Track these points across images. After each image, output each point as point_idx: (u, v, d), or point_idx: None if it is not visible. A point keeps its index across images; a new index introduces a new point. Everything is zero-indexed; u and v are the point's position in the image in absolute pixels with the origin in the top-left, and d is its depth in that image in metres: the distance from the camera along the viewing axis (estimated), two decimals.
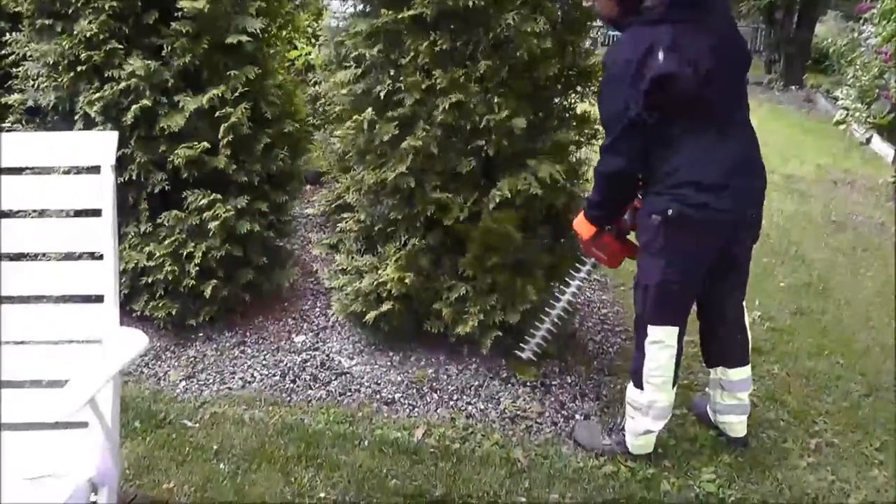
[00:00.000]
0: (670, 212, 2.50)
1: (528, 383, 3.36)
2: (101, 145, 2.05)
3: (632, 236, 2.87)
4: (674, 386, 2.77)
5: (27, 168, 2.24)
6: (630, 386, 2.81)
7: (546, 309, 3.10)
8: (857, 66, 10.01)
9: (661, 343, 2.69)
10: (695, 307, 2.86)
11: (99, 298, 2.06)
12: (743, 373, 2.91)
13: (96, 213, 2.05)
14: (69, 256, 2.25)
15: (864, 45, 10.39)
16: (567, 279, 3.06)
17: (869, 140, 9.16)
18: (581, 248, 2.96)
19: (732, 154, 2.53)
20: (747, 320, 2.93)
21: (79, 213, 2.15)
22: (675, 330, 2.69)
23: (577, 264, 3.03)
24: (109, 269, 2.03)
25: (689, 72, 2.40)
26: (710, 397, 3.01)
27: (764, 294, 4.48)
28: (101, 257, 2.04)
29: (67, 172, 2.33)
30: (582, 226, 2.83)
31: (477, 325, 3.21)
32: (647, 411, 2.76)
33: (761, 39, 18.01)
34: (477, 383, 3.37)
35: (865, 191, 7.25)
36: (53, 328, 2.11)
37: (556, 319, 3.09)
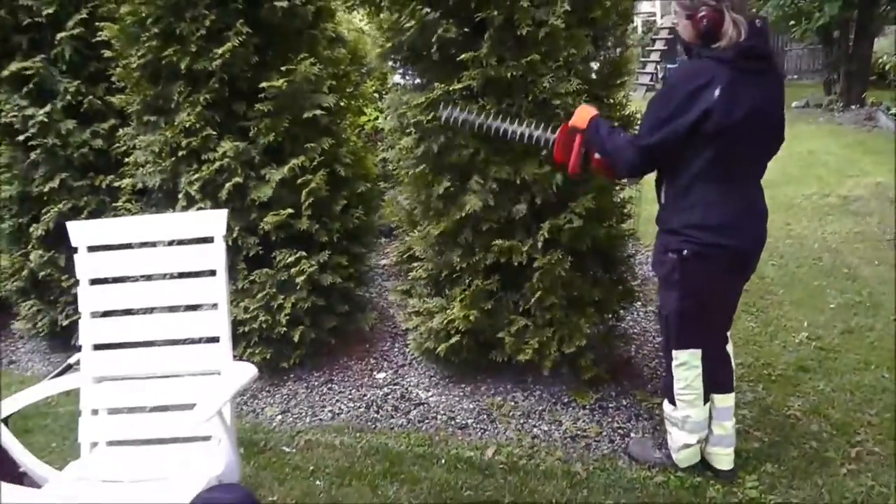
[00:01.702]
0: (685, 252, 2.73)
1: (588, 406, 3.70)
2: (215, 221, 2.58)
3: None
4: (705, 402, 3.01)
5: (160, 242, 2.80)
6: (665, 402, 3.09)
7: (491, 120, 3.16)
8: None
9: (687, 364, 2.93)
10: None
11: (216, 339, 2.57)
12: (728, 400, 3.09)
13: (212, 273, 2.57)
14: (190, 308, 2.78)
15: None
16: (528, 126, 3.10)
17: None
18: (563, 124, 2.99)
19: (743, 202, 2.74)
20: (731, 350, 3.11)
21: (198, 274, 2.67)
22: (697, 352, 2.92)
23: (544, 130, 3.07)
24: (223, 316, 2.55)
25: (733, 117, 2.54)
26: None
27: (813, 315, 4.70)
28: (216, 307, 2.55)
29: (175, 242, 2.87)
30: (584, 114, 2.87)
31: (535, 354, 3.57)
32: (682, 425, 3.02)
33: (819, 60, 17.81)
34: (541, 408, 3.72)
35: None
36: (182, 364, 2.64)
37: (486, 125, 3.14)
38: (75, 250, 2.70)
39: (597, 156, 2.90)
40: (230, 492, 2.07)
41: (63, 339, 4.85)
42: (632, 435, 3.48)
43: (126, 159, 4.32)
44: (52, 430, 3.81)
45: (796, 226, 6.69)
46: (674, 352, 2.95)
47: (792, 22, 14.36)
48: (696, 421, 3.01)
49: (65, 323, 4.75)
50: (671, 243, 2.79)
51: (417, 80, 3.76)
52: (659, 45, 19.01)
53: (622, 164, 2.80)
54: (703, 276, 2.77)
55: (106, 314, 2.74)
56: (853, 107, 13.63)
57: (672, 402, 3.03)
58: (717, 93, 2.52)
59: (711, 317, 2.94)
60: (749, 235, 2.79)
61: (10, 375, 4.80)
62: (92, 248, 2.70)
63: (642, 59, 18.37)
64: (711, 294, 2.84)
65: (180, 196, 3.99)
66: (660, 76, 17.80)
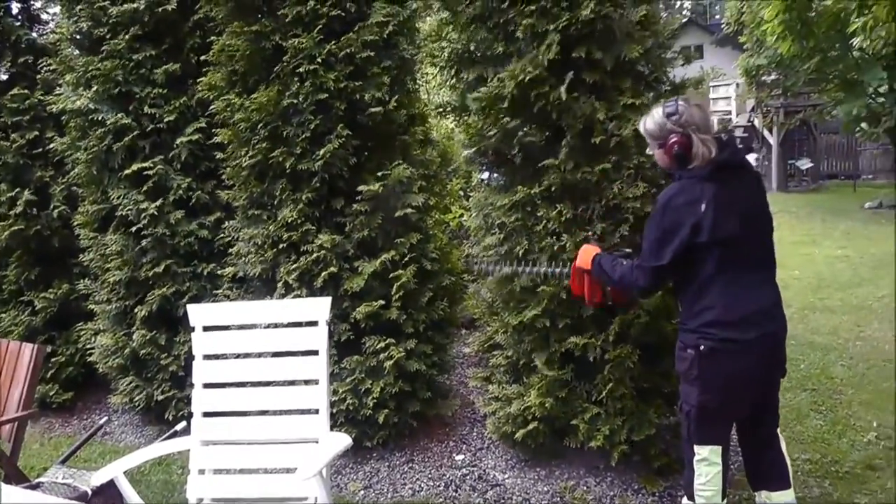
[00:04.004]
0: (702, 347, 2.81)
1: (657, 493, 3.83)
2: (319, 307, 2.94)
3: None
4: (723, 499, 2.99)
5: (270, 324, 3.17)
6: (684, 500, 3.10)
7: (513, 265, 3.68)
8: None
9: (707, 460, 2.93)
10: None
11: (314, 411, 2.89)
12: (785, 496, 3.06)
13: (314, 353, 2.90)
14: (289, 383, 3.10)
15: None
16: (548, 267, 3.55)
17: None
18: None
19: (755, 299, 2.84)
20: (783, 446, 3.09)
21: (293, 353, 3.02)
22: (718, 448, 2.93)
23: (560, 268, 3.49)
24: (323, 391, 2.88)
25: (727, 226, 2.73)
26: None
27: (882, 416, 4.67)
28: (317, 382, 2.88)
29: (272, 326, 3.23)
30: (586, 255, 3.15)
31: (606, 441, 3.74)
32: None
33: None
34: (612, 493, 3.87)
35: None
36: (283, 431, 2.96)
37: (508, 271, 3.71)
38: (192, 329, 3.08)
39: (609, 287, 3.20)
40: None
41: (157, 414, 5.22)
42: None
43: (229, 250, 4.74)
44: (145, 496, 4.10)
45: (867, 328, 6.67)
46: (695, 447, 2.96)
47: (863, 125, 14.09)
48: None
49: (160, 398, 5.08)
50: (689, 340, 2.88)
51: (502, 181, 4.09)
52: None
53: (633, 288, 3.04)
54: (722, 370, 2.84)
55: (213, 385, 3.09)
56: None
57: (690, 497, 3.05)
58: (703, 207, 2.73)
59: (735, 412, 2.99)
60: (765, 327, 2.85)
61: (104, 445, 5.23)
62: (207, 328, 3.08)
63: None
64: (732, 389, 2.88)
65: (279, 284, 4.37)
66: None
